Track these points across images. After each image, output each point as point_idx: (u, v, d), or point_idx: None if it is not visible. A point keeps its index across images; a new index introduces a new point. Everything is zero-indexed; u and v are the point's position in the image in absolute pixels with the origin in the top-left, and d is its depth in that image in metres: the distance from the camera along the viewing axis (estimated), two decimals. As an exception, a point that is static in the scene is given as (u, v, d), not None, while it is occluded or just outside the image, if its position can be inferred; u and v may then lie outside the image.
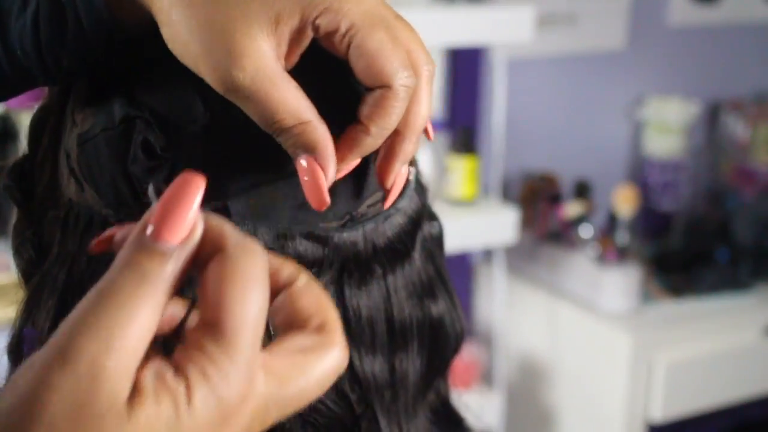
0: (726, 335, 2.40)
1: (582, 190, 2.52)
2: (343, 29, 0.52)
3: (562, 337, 2.46)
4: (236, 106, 0.54)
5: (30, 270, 0.62)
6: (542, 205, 2.48)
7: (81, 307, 0.40)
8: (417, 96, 0.54)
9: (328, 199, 0.52)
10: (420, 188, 0.64)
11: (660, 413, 2.32)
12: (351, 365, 0.58)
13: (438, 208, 2.33)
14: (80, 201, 0.58)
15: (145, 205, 0.55)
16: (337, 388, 0.57)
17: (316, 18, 0.51)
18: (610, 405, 2.34)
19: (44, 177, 0.61)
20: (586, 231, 2.42)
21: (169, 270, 0.40)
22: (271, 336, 0.44)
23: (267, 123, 0.52)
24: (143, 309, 0.40)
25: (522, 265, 2.52)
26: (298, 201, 0.55)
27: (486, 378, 2.41)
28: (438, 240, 0.64)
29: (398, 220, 0.60)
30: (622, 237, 2.40)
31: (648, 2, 2.70)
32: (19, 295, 0.63)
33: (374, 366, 0.58)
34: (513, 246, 2.35)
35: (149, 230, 0.40)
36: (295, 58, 0.53)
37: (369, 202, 0.58)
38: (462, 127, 2.27)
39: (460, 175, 2.20)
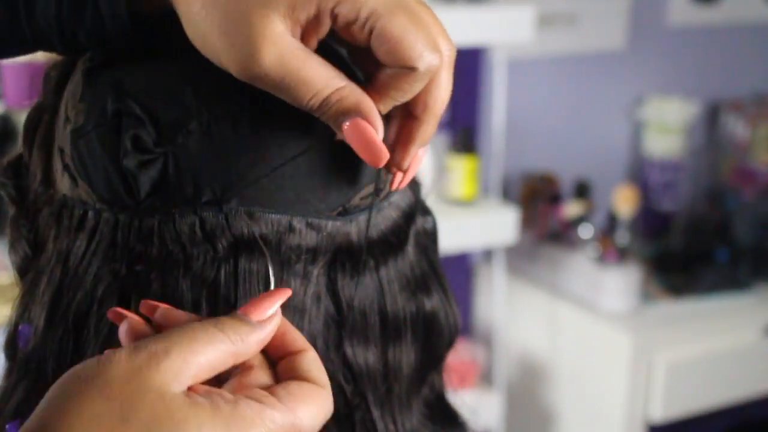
0: (726, 335, 2.39)
1: (582, 190, 2.52)
2: (363, 17, 0.52)
3: (562, 337, 2.46)
4: (229, 100, 0.55)
5: (25, 266, 0.62)
6: (542, 205, 2.48)
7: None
8: (437, 79, 0.55)
9: (386, 151, 0.53)
10: (413, 183, 0.64)
11: (660, 413, 2.32)
12: (344, 355, 0.58)
13: (438, 208, 2.33)
14: (74, 196, 0.58)
15: (139, 201, 0.55)
16: (329, 376, 0.57)
17: (334, 7, 0.52)
18: (610, 405, 2.34)
19: (39, 174, 0.61)
20: (586, 231, 2.42)
21: (253, 335, 0.50)
22: None
23: (303, 100, 0.52)
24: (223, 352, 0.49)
25: (522, 265, 2.52)
26: (292, 192, 0.55)
27: (486, 378, 2.41)
28: (432, 234, 0.64)
29: (391, 214, 0.60)
30: (622, 237, 2.41)
31: (648, 2, 2.70)
32: (15, 292, 0.63)
33: (367, 357, 0.59)
34: (513, 246, 2.35)
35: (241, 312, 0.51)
36: (311, 47, 0.53)
37: (362, 194, 0.58)
38: (462, 127, 2.27)
39: (460, 175, 2.20)
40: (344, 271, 0.58)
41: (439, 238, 0.65)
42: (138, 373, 0.47)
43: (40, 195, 0.61)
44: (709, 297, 2.47)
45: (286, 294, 0.51)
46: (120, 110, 0.55)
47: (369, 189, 0.59)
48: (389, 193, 0.60)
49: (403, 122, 0.56)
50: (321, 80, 0.52)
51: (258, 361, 0.51)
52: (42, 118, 0.62)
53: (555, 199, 2.48)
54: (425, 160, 2.18)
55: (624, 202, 2.44)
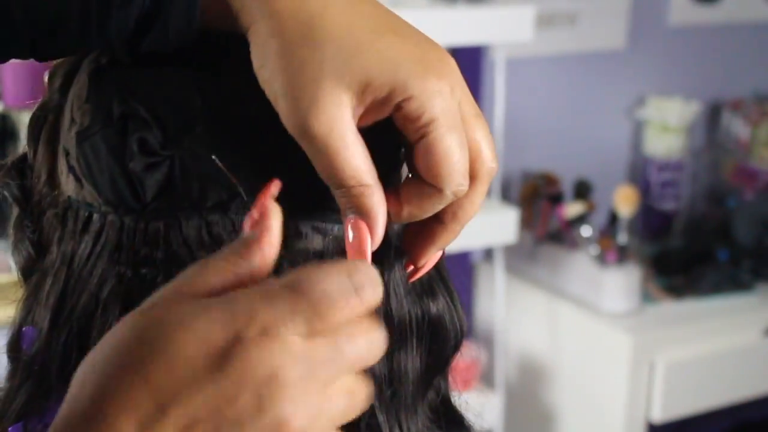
0: (726, 335, 2.39)
1: (582, 190, 2.51)
2: (422, 122, 0.53)
3: (562, 337, 2.45)
4: (237, 105, 0.54)
5: (29, 268, 0.62)
6: (542, 205, 2.48)
7: None
8: (472, 195, 0.56)
9: (369, 261, 0.54)
10: None
11: (660, 413, 2.32)
12: None
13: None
14: (79, 198, 0.58)
15: (145, 204, 0.55)
16: None
17: (403, 101, 0.52)
18: (610, 405, 2.34)
19: (43, 175, 0.61)
20: (586, 231, 2.41)
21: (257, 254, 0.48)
22: None
23: (328, 177, 0.53)
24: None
25: (522, 265, 2.52)
26: (298, 196, 0.55)
27: (486, 378, 2.41)
28: None
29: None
30: (622, 237, 2.40)
31: (648, 2, 2.70)
32: (19, 293, 0.63)
33: None
34: (513, 246, 2.35)
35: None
36: (365, 124, 0.54)
37: None
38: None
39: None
40: None
41: None
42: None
43: (45, 196, 0.61)
44: (710, 297, 2.47)
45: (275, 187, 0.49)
46: (126, 112, 0.55)
47: None
48: None
49: (428, 222, 0.57)
50: (354, 169, 0.52)
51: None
52: (47, 118, 0.61)
53: (555, 199, 2.48)
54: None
55: (624, 202, 2.44)
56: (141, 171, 0.55)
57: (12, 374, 0.62)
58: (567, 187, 2.56)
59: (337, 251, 0.57)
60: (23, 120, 2.00)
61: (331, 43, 0.52)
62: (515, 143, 2.52)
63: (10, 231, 0.64)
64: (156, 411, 0.42)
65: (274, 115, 0.55)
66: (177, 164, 0.55)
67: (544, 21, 2.50)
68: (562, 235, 2.46)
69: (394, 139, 0.55)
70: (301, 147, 0.54)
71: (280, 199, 0.55)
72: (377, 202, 0.53)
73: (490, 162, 0.56)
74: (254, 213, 0.48)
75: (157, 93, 0.55)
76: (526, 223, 2.47)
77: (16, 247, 0.63)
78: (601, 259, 2.37)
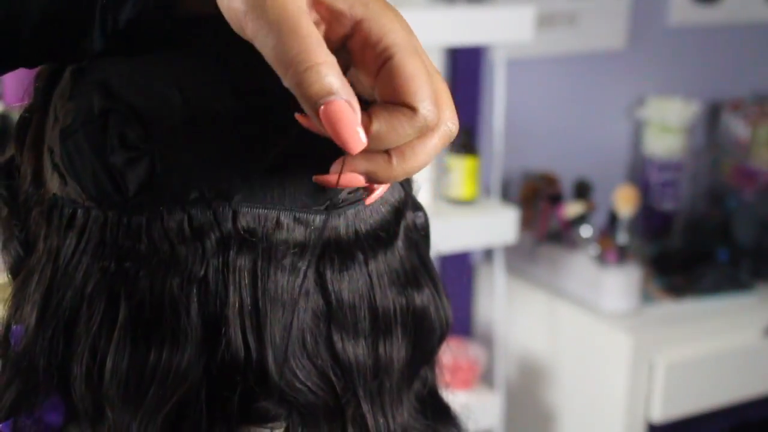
0: (726, 335, 2.39)
1: (582, 190, 2.51)
2: (383, 44, 0.51)
3: (562, 337, 2.46)
4: (216, 98, 0.55)
5: (18, 267, 0.63)
6: (542, 205, 2.48)
7: None
8: (425, 140, 0.53)
9: (364, 138, 0.51)
10: (404, 179, 0.64)
11: (660, 413, 2.32)
12: (333, 350, 0.58)
13: (438, 208, 2.32)
14: (64, 195, 0.58)
15: (127, 198, 0.56)
16: (319, 371, 0.57)
17: (362, 20, 0.51)
18: (610, 405, 2.34)
19: (29, 174, 0.62)
20: (586, 231, 2.41)
21: None
22: None
23: (294, 53, 0.49)
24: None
25: (522, 265, 2.52)
26: (279, 187, 0.55)
27: (486, 378, 2.41)
28: (423, 230, 0.64)
29: (380, 208, 0.60)
30: (622, 237, 2.40)
31: (648, 2, 2.70)
32: (8, 292, 0.63)
33: (357, 351, 0.59)
34: (513, 246, 2.35)
35: None
36: (318, 32, 0.51)
37: (349, 188, 0.58)
38: (462, 127, 2.26)
39: (460, 175, 2.20)
40: (333, 265, 0.58)
41: (431, 233, 0.65)
42: None
43: (31, 195, 0.61)
44: (710, 297, 2.47)
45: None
46: (107, 108, 0.56)
47: None
48: (377, 188, 0.60)
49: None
50: (315, 44, 0.49)
51: None
52: (32, 119, 0.62)
53: (555, 199, 2.48)
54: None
55: (624, 202, 2.44)
56: (122, 165, 0.55)
57: (1, 372, 0.63)
58: (567, 187, 2.56)
59: (319, 243, 0.57)
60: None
61: None
62: (515, 143, 2.52)
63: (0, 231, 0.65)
64: None
65: (254, 107, 0.55)
66: (158, 158, 0.55)
67: (544, 21, 2.50)
68: (562, 235, 2.46)
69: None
70: (283, 140, 0.55)
71: (261, 191, 0.56)
72: (345, 81, 0.50)
73: (450, 117, 0.53)
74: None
75: (137, 87, 0.56)
76: (526, 223, 2.47)
77: (4, 247, 0.64)
78: (601, 259, 2.37)
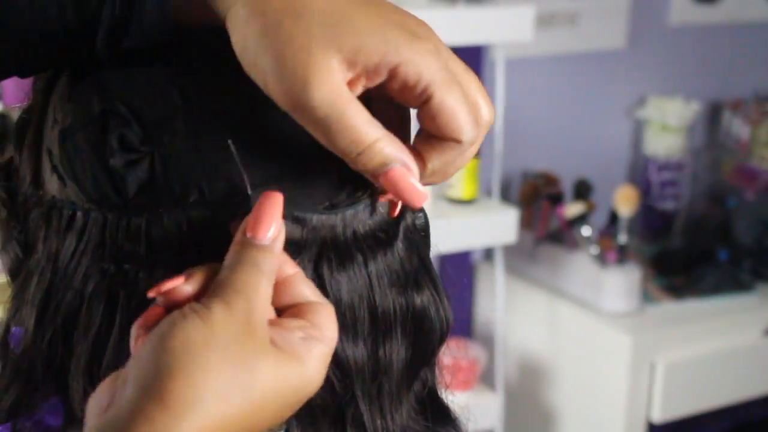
0: (726, 336, 2.39)
1: (582, 190, 2.51)
2: (422, 85, 0.53)
3: (562, 338, 2.45)
4: (215, 100, 0.55)
5: (17, 268, 0.63)
6: (542, 205, 2.48)
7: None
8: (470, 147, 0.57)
9: (426, 195, 0.55)
10: None
11: (660, 413, 2.32)
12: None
13: (438, 208, 2.32)
14: (63, 197, 0.58)
15: (127, 200, 0.55)
16: None
17: (398, 65, 0.52)
18: (610, 405, 2.34)
19: (28, 176, 0.62)
20: (586, 231, 2.41)
21: (271, 259, 0.52)
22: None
23: (343, 142, 0.52)
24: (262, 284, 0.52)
25: (522, 265, 2.52)
26: (277, 189, 0.55)
27: (486, 378, 2.41)
28: (423, 231, 0.64)
29: (380, 209, 0.60)
30: (622, 237, 2.40)
31: (648, 2, 2.70)
32: (8, 294, 0.63)
33: (356, 352, 0.59)
34: (513, 246, 2.34)
35: (249, 233, 0.52)
36: (355, 94, 0.53)
37: (348, 189, 0.58)
38: (462, 127, 2.26)
39: (460, 175, 2.20)
40: (331, 265, 0.58)
41: (430, 234, 0.65)
42: (244, 327, 0.50)
43: (30, 197, 0.61)
44: (710, 297, 2.46)
45: (278, 200, 0.53)
46: (106, 110, 0.56)
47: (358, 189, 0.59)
48: (377, 189, 0.60)
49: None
50: (365, 127, 0.52)
51: None
52: (31, 120, 0.62)
53: (555, 199, 2.48)
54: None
55: (624, 201, 2.44)
56: (122, 167, 0.55)
57: (0, 374, 0.63)
58: (567, 187, 2.56)
59: (316, 242, 0.57)
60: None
61: (316, 14, 0.52)
62: (515, 143, 2.52)
63: (-1, 233, 0.64)
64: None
65: (252, 108, 0.55)
66: (158, 160, 0.55)
67: (544, 21, 2.50)
68: (562, 235, 2.46)
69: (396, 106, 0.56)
70: (283, 142, 0.55)
71: (260, 192, 0.56)
72: (399, 146, 0.54)
73: (487, 114, 0.56)
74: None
75: (137, 90, 0.56)
76: (526, 223, 2.47)
77: (3, 248, 0.64)
78: (601, 259, 2.37)
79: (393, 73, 0.52)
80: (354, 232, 0.59)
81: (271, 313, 0.52)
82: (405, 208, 0.63)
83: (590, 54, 2.66)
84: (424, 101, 0.53)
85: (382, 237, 0.60)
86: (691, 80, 2.81)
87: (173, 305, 0.52)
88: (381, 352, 0.60)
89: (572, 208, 2.44)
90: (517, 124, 2.51)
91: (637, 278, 2.37)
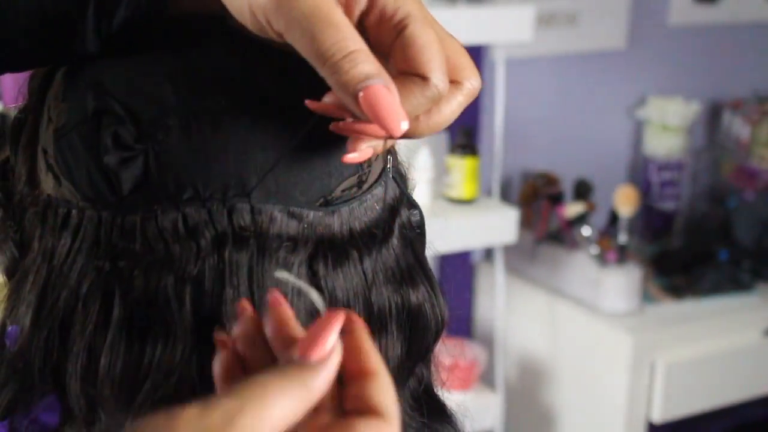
0: (726, 336, 2.39)
1: (582, 190, 2.51)
2: (399, 15, 0.52)
3: (562, 338, 2.45)
4: (209, 97, 0.55)
5: (13, 268, 0.63)
6: (542, 205, 2.48)
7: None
8: (450, 99, 0.55)
9: (406, 118, 0.52)
10: (399, 176, 0.64)
11: (660, 413, 2.32)
12: None
13: (438, 208, 2.31)
14: (58, 196, 0.58)
15: (122, 198, 0.56)
16: None
17: None
18: (610, 405, 2.34)
19: (24, 175, 0.62)
20: (586, 231, 2.41)
21: (319, 380, 0.48)
22: None
23: (324, 44, 0.50)
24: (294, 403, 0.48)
25: (522, 265, 2.52)
26: (273, 185, 0.56)
27: (486, 378, 2.41)
28: (418, 228, 0.64)
29: (375, 206, 0.60)
30: (622, 237, 2.40)
31: (648, 2, 2.70)
32: (4, 293, 0.63)
33: None
34: (513, 246, 2.35)
35: (298, 353, 0.49)
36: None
37: (343, 186, 0.58)
38: (462, 127, 2.27)
39: (460, 175, 2.20)
40: (326, 262, 0.58)
41: (426, 231, 0.65)
42: None
43: (26, 196, 0.61)
44: (710, 297, 2.47)
45: (339, 320, 0.49)
46: (100, 108, 0.56)
47: (351, 181, 0.59)
48: (372, 186, 0.60)
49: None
50: (351, 31, 0.50)
51: (326, 396, 0.50)
52: (27, 120, 0.62)
53: (555, 199, 2.48)
54: (426, 159, 2.18)
55: (624, 201, 2.44)
56: (116, 165, 0.55)
57: None
58: (567, 187, 2.56)
59: (312, 238, 0.57)
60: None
61: None
62: (515, 143, 2.52)
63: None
64: None
65: (247, 104, 0.55)
66: (152, 157, 0.55)
67: (544, 21, 2.50)
68: (562, 235, 2.46)
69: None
70: (277, 137, 0.55)
71: (255, 188, 0.56)
72: (381, 66, 0.51)
73: (471, 74, 0.55)
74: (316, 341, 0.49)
75: (130, 87, 0.56)
76: (526, 223, 2.47)
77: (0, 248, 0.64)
78: (601, 259, 2.37)
79: (372, 3, 0.52)
80: (350, 230, 0.59)
81: None
82: (399, 203, 0.63)
83: (590, 54, 2.66)
84: (397, 33, 0.52)
85: (377, 234, 0.60)
86: (691, 80, 2.81)
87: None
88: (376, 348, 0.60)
89: (572, 208, 2.45)
90: (517, 124, 2.51)
91: (637, 278, 2.37)
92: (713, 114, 2.88)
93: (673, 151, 2.70)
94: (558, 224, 2.47)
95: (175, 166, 0.55)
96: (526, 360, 2.54)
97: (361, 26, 0.53)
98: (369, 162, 0.59)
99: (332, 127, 0.54)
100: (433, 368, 0.67)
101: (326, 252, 0.58)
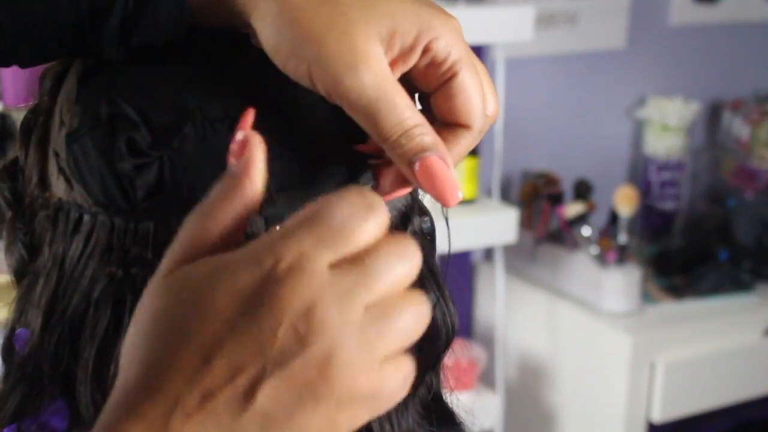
0: (726, 336, 2.39)
1: (582, 190, 2.51)
2: (450, 61, 0.53)
3: (562, 338, 2.45)
4: (224, 104, 0.54)
5: (22, 269, 0.62)
6: (542, 205, 2.48)
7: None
8: (471, 139, 0.56)
9: (460, 190, 0.53)
10: None
11: (660, 413, 2.32)
12: None
13: (438, 208, 2.32)
14: (70, 200, 0.58)
15: (135, 204, 0.55)
16: None
17: (431, 40, 0.52)
18: (610, 405, 2.34)
19: (34, 177, 0.61)
20: (586, 231, 2.41)
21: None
22: None
23: (387, 126, 0.51)
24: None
25: (522, 265, 2.52)
26: (284, 192, 0.56)
27: (486, 378, 2.41)
28: (429, 235, 0.64)
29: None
30: (622, 237, 2.40)
31: (648, 2, 2.70)
32: (12, 295, 0.63)
33: None
34: (513, 246, 2.34)
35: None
36: (395, 76, 0.53)
37: None
38: (462, 126, 2.27)
39: (460, 175, 2.20)
40: None
41: (436, 238, 0.65)
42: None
43: (36, 198, 0.61)
44: (710, 297, 2.46)
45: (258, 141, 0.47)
46: (114, 113, 0.55)
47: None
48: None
49: None
50: (409, 109, 0.51)
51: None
52: (37, 121, 0.62)
53: (555, 199, 2.48)
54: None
55: (624, 201, 2.44)
56: (130, 171, 0.55)
57: (6, 376, 0.62)
58: (567, 187, 2.56)
59: None
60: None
61: None
62: (515, 143, 2.52)
63: (3, 233, 0.64)
64: (202, 364, 0.43)
65: (264, 113, 0.55)
66: (166, 164, 0.55)
67: (544, 21, 2.50)
68: (562, 235, 2.46)
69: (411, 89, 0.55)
70: (289, 145, 0.55)
71: (269, 196, 0.55)
72: (437, 137, 0.52)
73: (492, 106, 0.55)
74: (234, 144, 0.47)
75: (146, 93, 0.56)
76: (526, 223, 2.47)
77: (8, 250, 0.63)
78: (601, 259, 2.37)
79: (425, 48, 0.52)
80: None
81: None
82: (411, 210, 0.62)
83: (590, 54, 2.66)
84: (447, 79, 0.53)
85: None
86: (691, 80, 2.81)
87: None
88: None
89: (572, 208, 2.44)
90: (517, 124, 2.51)
91: (637, 278, 2.37)
92: (713, 114, 2.88)
93: (673, 151, 2.70)
94: (558, 224, 2.47)
95: (190, 173, 0.55)
96: (526, 360, 2.54)
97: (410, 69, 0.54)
98: None
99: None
100: (441, 375, 0.66)
101: None
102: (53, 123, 0.60)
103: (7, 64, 0.58)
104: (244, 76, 0.55)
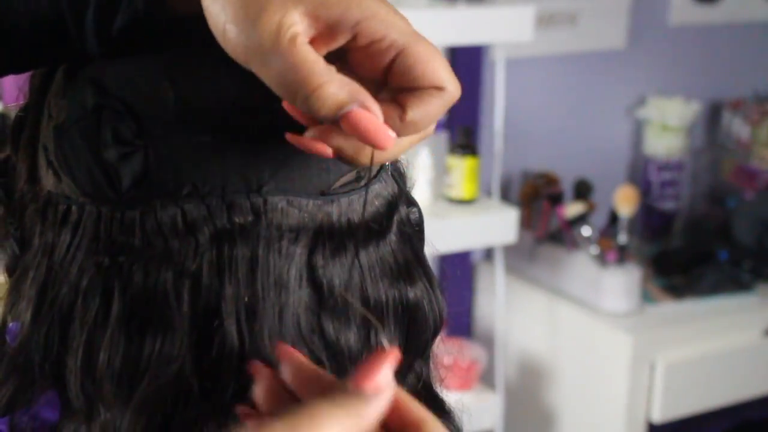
0: (726, 336, 2.39)
1: (582, 190, 2.51)
2: (390, 39, 0.52)
3: (562, 338, 2.46)
4: (207, 92, 0.55)
5: (14, 265, 0.63)
6: (542, 205, 2.48)
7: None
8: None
9: (392, 135, 0.52)
10: (398, 173, 0.65)
11: (660, 413, 2.32)
12: (325, 336, 0.58)
13: (438, 208, 2.32)
14: (58, 192, 0.59)
15: (121, 193, 0.56)
16: (313, 357, 0.57)
17: (359, 21, 0.52)
18: (610, 405, 2.34)
19: (24, 172, 0.62)
20: (586, 231, 2.41)
21: (371, 409, 0.48)
22: None
23: (293, 82, 0.51)
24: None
25: (522, 265, 2.52)
26: (272, 180, 0.56)
27: (486, 378, 2.41)
28: (417, 225, 0.65)
29: (373, 201, 0.61)
30: (622, 237, 2.40)
31: (648, 2, 2.70)
32: (4, 290, 0.64)
33: (348, 338, 0.59)
34: (513, 246, 2.35)
35: (353, 384, 0.49)
36: (322, 53, 0.52)
37: (342, 180, 0.59)
38: (462, 126, 2.27)
39: (460, 175, 2.20)
40: (324, 252, 0.58)
41: (425, 229, 0.66)
42: None
43: (26, 193, 0.62)
44: (710, 297, 2.47)
45: (394, 357, 0.49)
46: (100, 104, 0.56)
47: (349, 176, 0.59)
48: (370, 182, 0.60)
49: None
50: (314, 66, 0.51)
51: None
52: (27, 118, 0.63)
53: (555, 199, 2.48)
54: (426, 159, 2.18)
55: (624, 201, 2.44)
56: (116, 161, 0.56)
57: None
58: (567, 187, 2.56)
59: (312, 227, 0.58)
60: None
61: None
62: (515, 143, 2.52)
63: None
64: None
65: (245, 101, 0.55)
66: (151, 153, 0.56)
67: (544, 21, 2.50)
68: (562, 235, 2.46)
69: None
70: (275, 132, 0.55)
71: (254, 181, 0.56)
72: (353, 84, 0.52)
73: (455, 88, 0.54)
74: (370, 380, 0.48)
75: (130, 84, 0.56)
76: (526, 223, 2.47)
77: (0, 245, 0.64)
78: (601, 259, 2.37)
79: (358, 30, 0.52)
80: (348, 221, 0.59)
81: None
82: (398, 199, 0.63)
83: (590, 54, 2.66)
84: (394, 57, 0.53)
85: (375, 228, 0.60)
86: (691, 80, 2.81)
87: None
88: (373, 342, 0.60)
89: (572, 208, 2.45)
90: (517, 124, 2.51)
91: (637, 278, 2.37)
92: (713, 114, 2.88)
93: (673, 151, 2.70)
94: (558, 224, 2.47)
95: (174, 161, 0.55)
96: (526, 360, 2.54)
97: (346, 56, 0.54)
98: None
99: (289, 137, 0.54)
100: (432, 366, 0.67)
101: (324, 242, 0.58)
102: (42, 118, 0.61)
103: (2, 74, 0.59)
104: (226, 65, 0.55)
